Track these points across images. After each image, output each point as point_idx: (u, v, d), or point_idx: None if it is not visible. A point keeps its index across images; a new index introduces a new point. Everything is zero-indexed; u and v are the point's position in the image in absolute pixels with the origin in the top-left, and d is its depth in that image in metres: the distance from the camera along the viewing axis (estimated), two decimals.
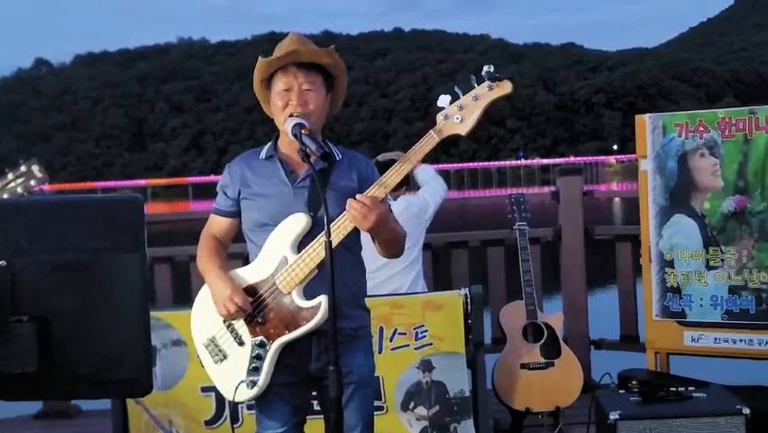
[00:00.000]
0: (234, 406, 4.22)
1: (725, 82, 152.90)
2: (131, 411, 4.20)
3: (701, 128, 4.77)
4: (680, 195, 4.82)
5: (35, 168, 3.21)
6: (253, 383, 2.85)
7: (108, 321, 1.64)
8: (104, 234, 1.63)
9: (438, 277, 5.62)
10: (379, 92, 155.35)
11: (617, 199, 22.39)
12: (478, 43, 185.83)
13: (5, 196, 3.12)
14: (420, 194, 4.70)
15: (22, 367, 1.58)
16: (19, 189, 3.16)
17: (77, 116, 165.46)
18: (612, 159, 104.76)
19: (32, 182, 3.19)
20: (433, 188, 4.68)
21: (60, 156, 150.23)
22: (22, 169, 3.20)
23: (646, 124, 4.92)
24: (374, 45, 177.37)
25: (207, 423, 4.22)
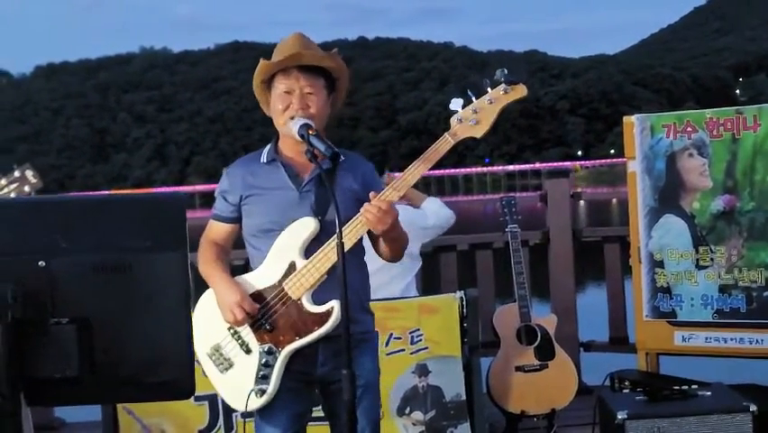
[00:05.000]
0: (228, 414, 4.16)
1: (686, 87, 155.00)
2: (122, 421, 4.12)
3: (689, 128, 4.79)
4: (668, 195, 4.84)
5: (29, 173, 3.16)
6: (262, 392, 2.80)
7: (150, 321, 1.60)
8: (145, 232, 1.59)
9: (427, 281, 5.58)
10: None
11: (582, 203, 22.71)
12: (442, 51, 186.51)
13: None
14: (422, 209, 4.57)
15: (62, 371, 1.52)
16: (12, 195, 3.10)
17: (38, 128, 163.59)
18: (577, 164, 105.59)
19: (26, 188, 3.13)
20: (437, 212, 4.56)
21: None
22: (16, 174, 3.14)
23: (634, 125, 4.93)
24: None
25: (201, 432, 4.15)
